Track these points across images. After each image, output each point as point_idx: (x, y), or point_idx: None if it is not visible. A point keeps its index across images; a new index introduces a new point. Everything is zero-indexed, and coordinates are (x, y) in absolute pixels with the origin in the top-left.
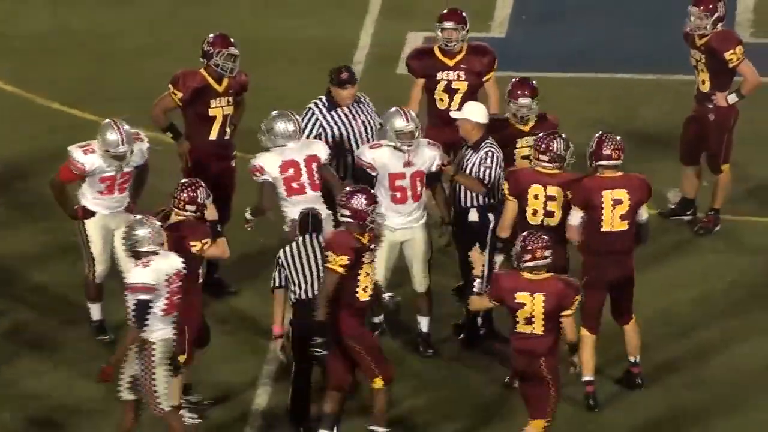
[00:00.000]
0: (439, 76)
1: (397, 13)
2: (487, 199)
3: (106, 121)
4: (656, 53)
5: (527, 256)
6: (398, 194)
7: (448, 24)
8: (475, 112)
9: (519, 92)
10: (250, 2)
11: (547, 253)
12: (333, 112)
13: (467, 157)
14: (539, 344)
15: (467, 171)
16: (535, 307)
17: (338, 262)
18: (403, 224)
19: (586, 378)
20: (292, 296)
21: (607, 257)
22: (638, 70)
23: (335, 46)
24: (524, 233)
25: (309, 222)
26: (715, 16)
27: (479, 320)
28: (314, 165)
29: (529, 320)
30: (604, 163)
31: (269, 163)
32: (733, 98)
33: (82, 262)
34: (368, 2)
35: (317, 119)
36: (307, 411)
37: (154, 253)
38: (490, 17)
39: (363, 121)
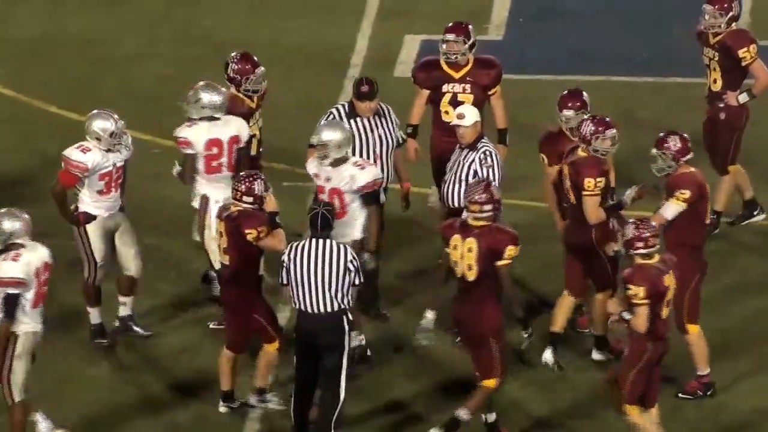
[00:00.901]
0: (445, 88)
1: (395, 16)
2: None
3: (90, 114)
4: (653, 56)
5: (640, 244)
6: None
7: (449, 36)
8: (476, 113)
9: (566, 103)
10: (244, 4)
11: (658, 240)
12: (352, 120)
13: (464, 156)
14: (670, 323)
15: (467, 169)
16: (673, 286)
17: (513, 254)
18: None
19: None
20: (294, 304)
21: (702, 251)
22: (635, 73)
23: (332, 50)
24: (635, 221)
25: (319, 220)
26: (730, 14)
27: None
28: (235, 146)
29: (669, 302)
30: (690, 156)
31: (196, 138)
32: (744, 98)
33: (74, 267)
34: (365, 5)
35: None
36: (307, 419)
37: (23, 246)
38: (488, 20)
39: (380, 135)
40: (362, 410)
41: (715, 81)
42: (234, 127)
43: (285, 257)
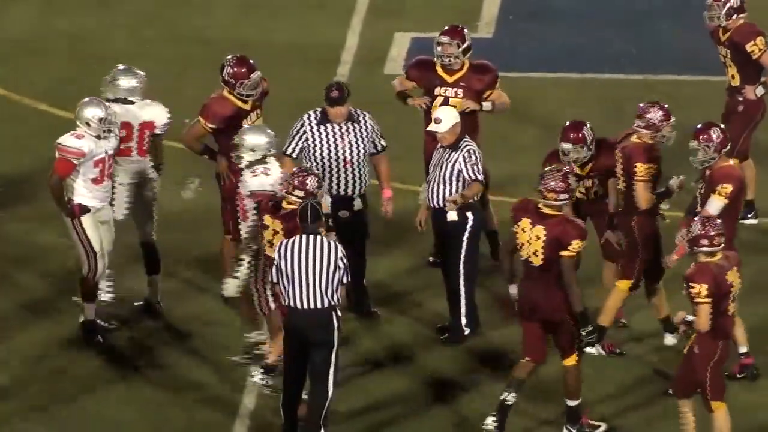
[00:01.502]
0: (437, 91)
1: (385, 14)
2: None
3: (81, 101)
4: (642, 53)
5: (705, 242)
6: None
7: (443, 38)
8: (454, 115)
9: (567, 135)
10: (235, 3)
11: (722, 239)
12: (322, 127)
13: (447, 156)
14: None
15: (450, 169)
16: (737, 281)
17: (578, 248)
18: None
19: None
20: (284, 300)
21: (733, 243)
22: (624, 70)
23: (322, 47)
24: (701, 218)
25: (309, 212)
26: (728, 6)
27: (463, 319)
28: (147, 132)
29: (734, 298)
30: (729, 147)
31: None
32: (761, 91)
33: (59, 262)
34: (355, 2)
35: (304, 132)
36: (296, 414)
37: None
38: (478, 17)
39: (350, 141)
40: (352, 407)
41: (733, 77)
42: (149, 113)
43: (276, 254)
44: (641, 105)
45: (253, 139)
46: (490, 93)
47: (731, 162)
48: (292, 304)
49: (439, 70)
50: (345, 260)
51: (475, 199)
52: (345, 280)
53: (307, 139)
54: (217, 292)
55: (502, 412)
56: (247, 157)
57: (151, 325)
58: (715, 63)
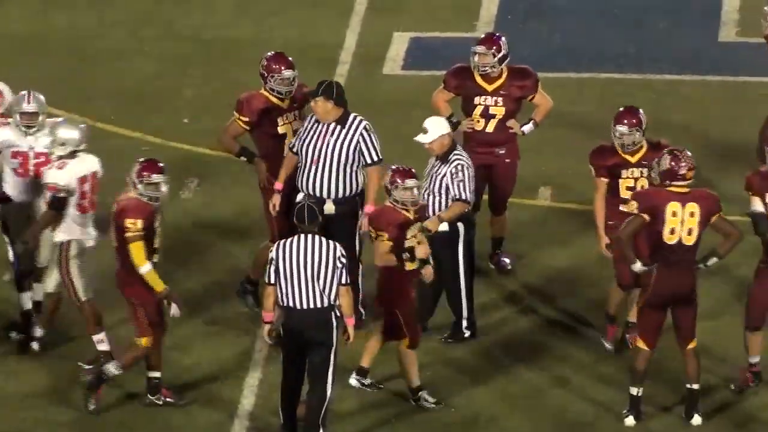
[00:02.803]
0: (477, 100)
1: (383, 13)
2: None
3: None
4: (641, 53)
5: None
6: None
7: (479, 48)
8: (441, 126)
9: (621, 119)
10: (233, 1)
11: None
12: (316, 123)
13: (436, 168)
14: None
15: (437, 183)
16: None
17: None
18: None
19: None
20: (280, 301)
21: None
22: (622, 70)
23: (320, 47)
24: None
25: (306, 213)
26: None
27: (465, 322)
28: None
29: None
30: None
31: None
32: None
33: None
34: (353, 1)
35: (303, 126)
36: (295, 414)
37: None
38: (476, 17)
39: (329, 143)
40: (350, 407)
41: None
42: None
43: (273, 254)
44: None
45: (65, 134)
46: (532, 97)
47: None
48: (290, 304)
49: (478, 78)
50: (344, 259)
51: (467, 209)
52: (344, 281)
53: (300, 132)
54: (217, 295)
55: (636, 406)
56: (58, 151)
57: None
58: (713, 63)
